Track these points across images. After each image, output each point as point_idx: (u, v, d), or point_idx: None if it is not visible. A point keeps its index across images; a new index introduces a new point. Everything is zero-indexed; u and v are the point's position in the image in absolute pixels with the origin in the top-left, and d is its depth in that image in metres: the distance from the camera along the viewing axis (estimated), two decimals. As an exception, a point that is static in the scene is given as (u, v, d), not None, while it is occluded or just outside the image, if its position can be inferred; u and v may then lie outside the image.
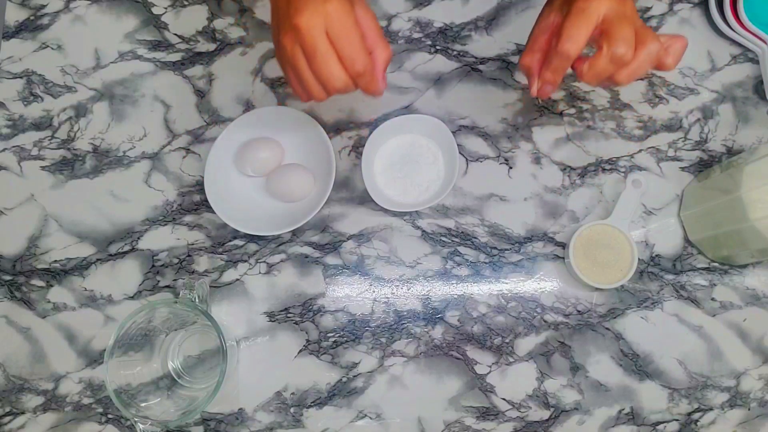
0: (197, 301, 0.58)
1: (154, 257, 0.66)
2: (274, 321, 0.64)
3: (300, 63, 0.47)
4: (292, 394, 0.63)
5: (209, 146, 0.64)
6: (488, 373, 0.64)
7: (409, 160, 0.66)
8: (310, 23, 0.45)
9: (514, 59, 0.70)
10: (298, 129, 0.65)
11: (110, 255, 0.66)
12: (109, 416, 0.63)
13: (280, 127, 0.66)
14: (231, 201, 0.64)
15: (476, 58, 0.70)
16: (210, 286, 0.65)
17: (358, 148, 0.68)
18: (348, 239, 0.66)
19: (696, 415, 0.63)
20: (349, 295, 0.65)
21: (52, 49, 0.70)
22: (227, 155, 0.66)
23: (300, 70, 0.47)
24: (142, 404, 0.55)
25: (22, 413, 0.63)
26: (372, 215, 0.67)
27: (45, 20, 0.71)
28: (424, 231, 0.66)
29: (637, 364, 0.64)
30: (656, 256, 0.66)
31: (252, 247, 0.66)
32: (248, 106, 0.69)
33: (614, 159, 0.68)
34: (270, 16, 0.51)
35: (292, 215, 0.64)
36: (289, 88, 0.69)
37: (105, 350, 0.54)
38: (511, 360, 0.64)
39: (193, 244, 0.66)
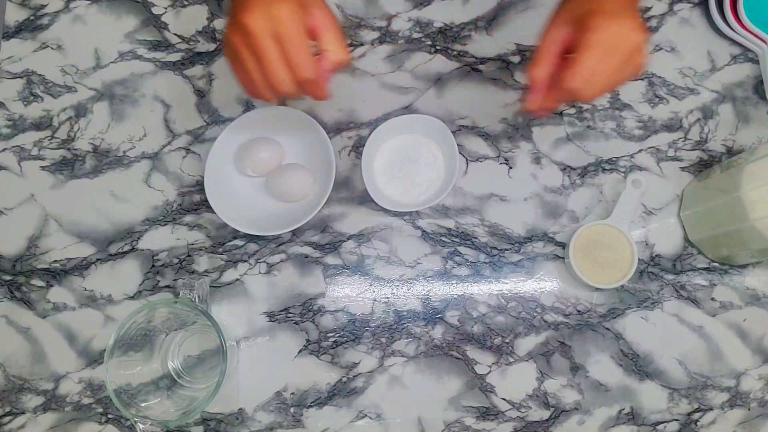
0: (197, 301, 0.58)
1: (154, 257, 0.66)
2: (274, 321, 0.64)
3: (248, 63, 0.47)
4: (292, 394, 0.63)
5: (209, 146, 0.64)
6: (488, 373, 0.64)
7: (409, 160, 0.66)
8: (258, 25, 0.45)
9: (514, 59, 0.70)
10: (298, 129, 0.65)
11: (110, 255, 0.66)
12: (109, 416, 0.63)
13: (280, 127, 0.66)
14: (231, 201, 0.64)
15: (476, 58, 0.70)
16: (210, 286, 0.65)
17: (358, 148, 0.68)
18: (348, 239, 0.66)
19: (696, 415, 0.63)
20: (349, 295, 0.65)
21: (52, 49, 0.70)
22: (227, 155, 0.66)
23: (249, 70, 0.47)
24: (142, 404, 0.55)
25: (22, 413, 0.63)
26: (372, 215, 0.67)
27: (45, 20, 0.71)
28: (424, 231, 0.66)
29: (637, 364, 0.64)
30: (656, 256, 0.66)
31: (252, 247, 0.66)
32: (248, 106, 0.69)
33: (614, 159, 0.68)
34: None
35: (292, 215, 0.64)
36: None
37: (105, 350, 0.54)
38: (511, 360, 0.64)
39: (193, 244, 0.66)
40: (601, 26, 0.47)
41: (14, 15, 0.71)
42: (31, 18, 0.71)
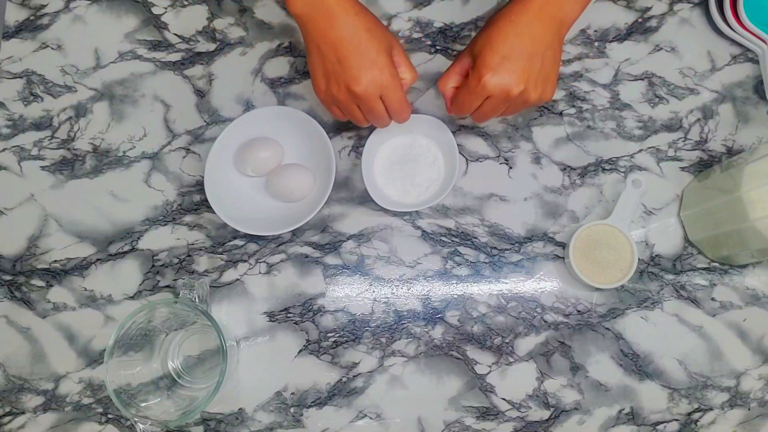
0: (197, 301, 0.58)
1: (154, 257, 0.66)
2: (274, 321, 0.64)
3: (354, 112, 0.57)
4: (292, 394, 0.63)
5: (209, 146, 0.64)
6: (488, 373, 0.64)
7: (409, 160, 0.66)
8: (368, 92, 0.54)
9: (514, 59, 0.70)
10: (298, 129, 0.65)
11: (110, 255, 0.66)
12: (109, 416, 0.63)
13: (280, 127, 0.66)
14: (231, 201, 0.64)
15: (476, 58, 0.70)
16: (210, 286, 0.65)
17: (358, 148, 0.68)
18: (348, 239, 0.66)
19: (696, 415, 0.63)
20: (349, 295, 0.65)
21: (52, 49, 0.70)
22: (227, 155, 0.66)
23: (352, 115, 0.58)
24: (142, 404, 0.55)
25: (22, 413, 0.63)
26: (372, 215, 0.67)
27: (45, 20, 0.71)
28: (424, 231, 0.66)
29: (637, 364, 0.64)
30: (656, 256, 0.66)
31: (252, 247, 0.66)
32: (248, 106, 0.69)
33: (614, 159, 0.68)
34: (307, 53, 0.56)
35: (292, 215, 0.64)
36: (289, 87, 0.69)
37: (105, 350, 0.54)
38: (511, 360, 0.64)
39: (193, 244, 0.66)
40: (477, 78, 0.54)
41: (14, 15, 0.71)
42: (31, 18, 0.71)
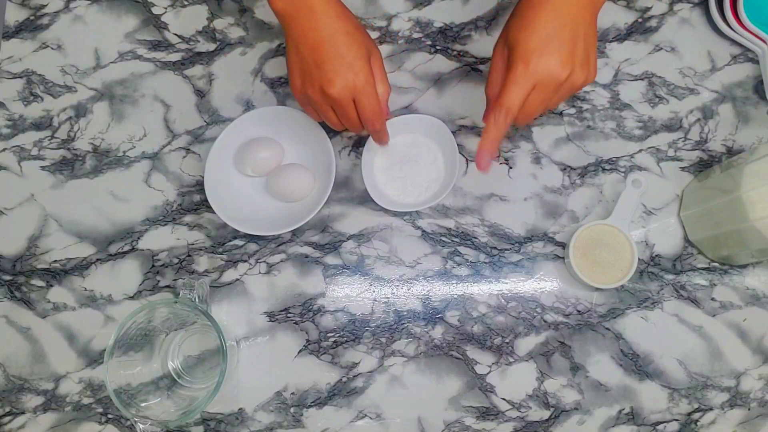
0: (197, 301, 0.58)
1: (154, 257, 0.66)
2: (274, 321, 0.64)
3: (328, 114, 0.57)
4: (292, 394, 0.63)
5: (209, 146, 0.64)
6: (488, 373, 0.64)
7: (409, 160, 0.66)
8: (342, 95, 0.53)
9: (514, 59, 0.70)
10: (298, 129, 0.65)
11: (110, 255, 0.66)
12: (109, 416, 0.63)
13: (280, 127, 0.66)
14: (231, 201, 0.64)
15: (476, 58, 0.70)
16: (210, 286, 0.65)
17: (358, 147, 0.68)
18: (348, 239, 0.66)
19: (696, 415, 0.63)
20: (349, 295, 0.65)
21: (52, 49, 0.70)
22: (227, 155, 0.66)
23: (326, 117, 0.57)
24: (142, 404, 0.55)
25: (22, 413, 0.63)
26: (372, 215, 0.67)
27: (45, 20, 0.71)
28: (424, 231, 0.66)
29: (637, 364, 0.64)
30: (656, 256, 0.66)
31: (252, 247, 0.66)
32: (248, 106, 0.69)
33: (614, 159, 0.68)
34: (286, 50, 0.56)
35: (291, 215, 0.64)
36: (288, 88, 0.69)
37: (105, 350, 0.54)
38: (511, 360, 0.64)
39: (193, 244, 0.66)
40: (521, 65, 0.49)
41: (14, 15, 0.71)
42: (31, 18, 0.71)
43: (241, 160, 0.65)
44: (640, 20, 0.71)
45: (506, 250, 0.66)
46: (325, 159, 0.64)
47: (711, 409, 0.63)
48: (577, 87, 0.51)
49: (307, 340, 0.64)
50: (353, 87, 0.53)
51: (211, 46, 0.71)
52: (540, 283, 0.65)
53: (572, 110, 0.69)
